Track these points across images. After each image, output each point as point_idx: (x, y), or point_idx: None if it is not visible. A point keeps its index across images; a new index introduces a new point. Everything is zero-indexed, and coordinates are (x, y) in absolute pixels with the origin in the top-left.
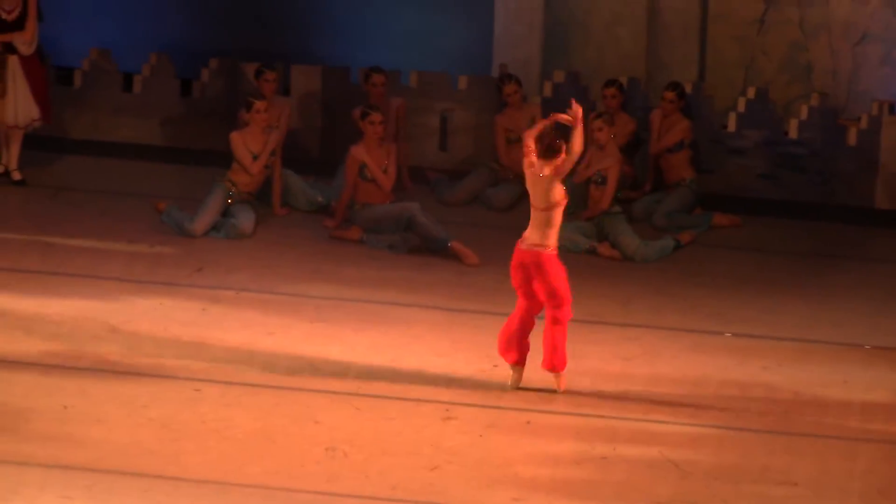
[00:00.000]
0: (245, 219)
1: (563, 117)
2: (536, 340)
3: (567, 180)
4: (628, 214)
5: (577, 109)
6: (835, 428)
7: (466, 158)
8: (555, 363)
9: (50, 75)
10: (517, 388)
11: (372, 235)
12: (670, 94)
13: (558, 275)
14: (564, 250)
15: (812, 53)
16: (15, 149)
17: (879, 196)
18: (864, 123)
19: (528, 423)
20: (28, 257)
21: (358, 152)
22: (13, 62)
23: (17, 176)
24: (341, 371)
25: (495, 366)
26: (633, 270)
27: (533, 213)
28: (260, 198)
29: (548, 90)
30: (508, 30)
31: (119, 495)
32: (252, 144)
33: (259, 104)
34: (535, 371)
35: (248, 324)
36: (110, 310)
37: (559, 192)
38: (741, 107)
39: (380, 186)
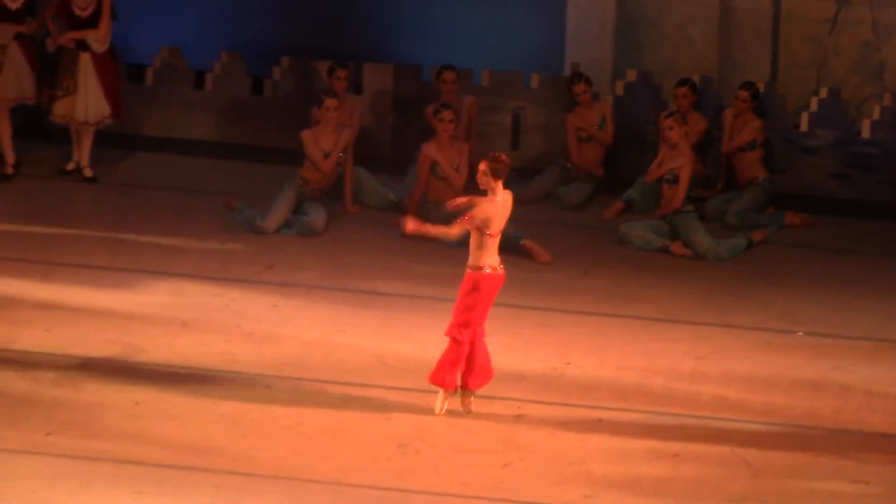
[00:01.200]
0: (316, 216)
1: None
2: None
3: (639, 178)
4: (700, 213)
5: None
6: None
7: (538, 157)
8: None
9: (122, 73)
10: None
11: None
12: (744, 94)
13: None
14: (636, 248)
15: (884, 53)
16: (86, 145)
17: None
18: None
19: (600, 420)
20: (99, 254)
21: (430, 150)
22: (85, 59)
23: (88, 173)
24: (413, 368)
25: (567, 363)
26: (705, 269)
27: (494, 240)
28: (332, 195)
29: (620, 89)
30: (581, 29)
31: (190, 491)
32: (324, 142)
33: (330, 102)
34: (606, 370)
35: (319, 321)
36: (182, 306)
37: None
38: (814, 106)
39: (451, 184)
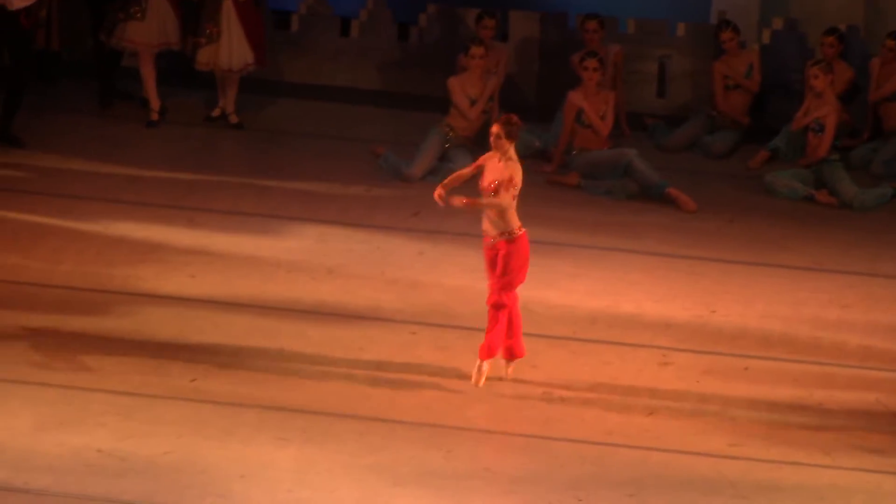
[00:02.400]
0: (462, 163)
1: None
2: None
3: (784, 127)
4: (846, 162)
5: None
6: None
7: (684, 105)
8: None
9: (266, 19)
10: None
11: (589, 181)
12: (891, 43)
13: None
14: (782, 196)
15: None
16: (231, 93)
17: None
18: None
19: (746, 368)
20: (244, 200)
21: (576, 98)
22: (228, 7)
23: (234, 119)
24: (558, 315)
25: (713, 311)
26: (851, 218)
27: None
28: (478, 143)
29: (766, 37)
30: None
31: (334, 437)
32: (470, 89)
33: (476, 50)
34: (751, 319)
35: (465, 268)
36: (327, 253)
37: None
38: None
39: (597, 132)
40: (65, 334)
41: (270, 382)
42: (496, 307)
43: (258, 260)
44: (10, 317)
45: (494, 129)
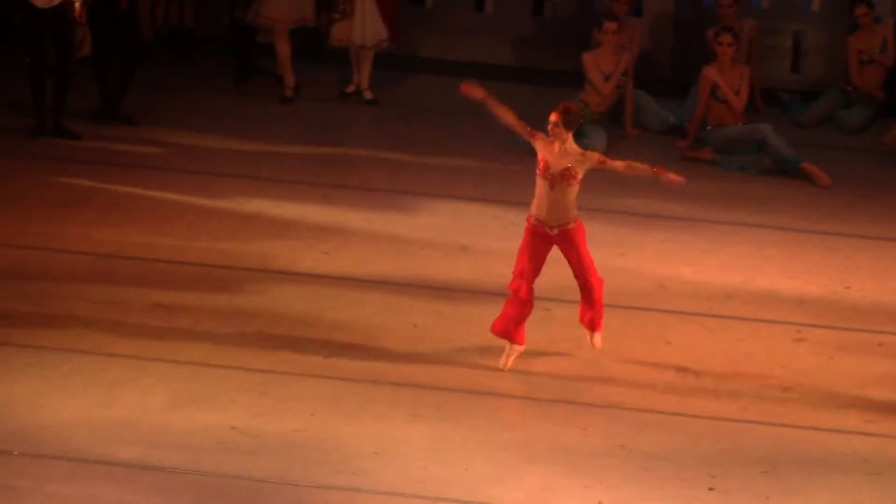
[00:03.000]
0: (597, 139)
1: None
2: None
3: None
4: None
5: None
6: None
7: (818, 80)
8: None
9: None
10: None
11: (724, 156)
12: None
13: None
14: None
15: None
16: (366, 68)
17: None
18: None
19: (881, 344)
20: (378, 175)
21: (710, 73)
22: None
23: (368, 95)
24: (692, 291)
25: (847, 287)
26: None
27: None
28: (612, 118)
29: None
30: None
31: (467, 414)
32: (603, 65)
33: (610, 25)
34: (886, 294)
35: (599, 244)
36: (461, 229)
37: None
38: None
39: (731, 107)
40: (199, 311)
41: (404, 359)
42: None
43: (392, 237)
44: (144, 294)
45: (553, 117)
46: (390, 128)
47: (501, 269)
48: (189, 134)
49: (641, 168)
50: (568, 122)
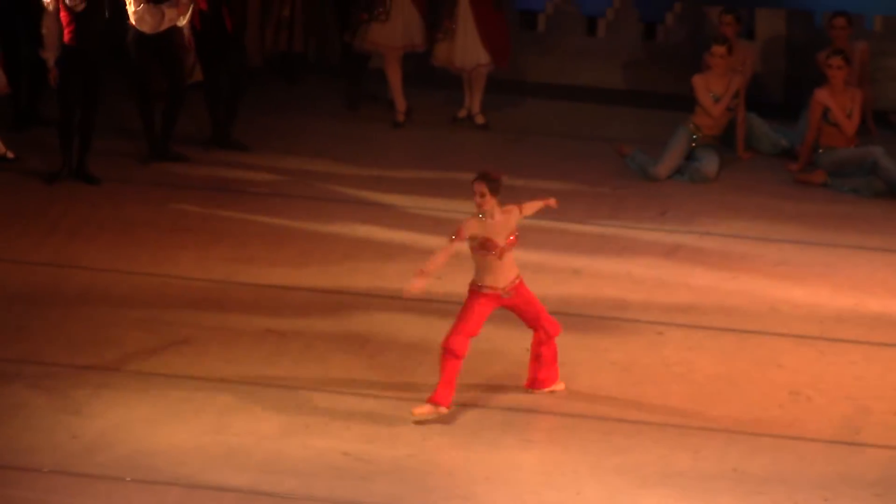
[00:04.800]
0: (709, 162)
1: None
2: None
3: None
4: None
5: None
6: None
7: None
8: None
9: (512, 20)
10: None
11: (836, 179)
12: None
13: None
14: None
15: None
16: (478, 93)
17: None
18: None
19: None
20: None
21: (822, 96)
22: (465, 5)
23: (480, 119)
24: (805, 315)
25: None
26: None
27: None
28: (724, 141)
29: None
30: None
31: (579, 438)
32: (714, 87)
33: (718, 48)
34: None
35: (712, 267)
36: (574, 253)
37: None
38: None
39: (843, 130)
40: (310, 336)
41: (516, 384)
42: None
43: None
44: (256, 320)
45: (479, 188)
46: (501, 152)
47: (613, 291)
48: (300, 159)
49: (536, 205)
50: (494, 188)
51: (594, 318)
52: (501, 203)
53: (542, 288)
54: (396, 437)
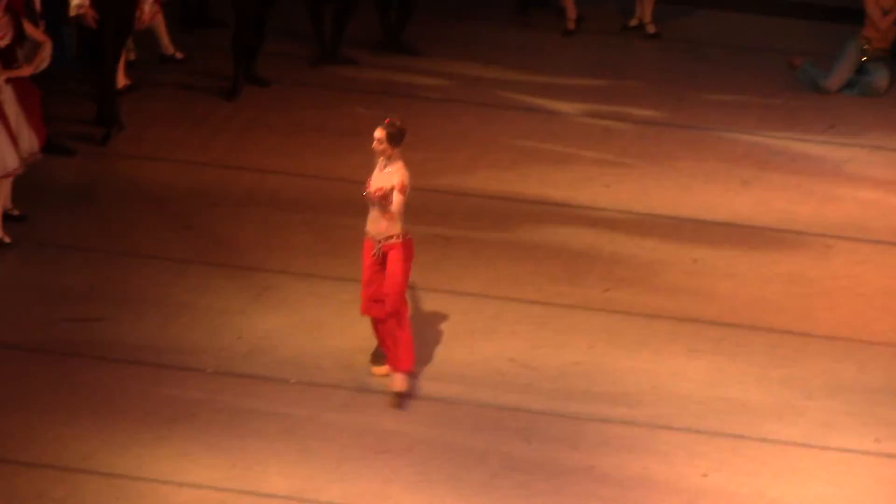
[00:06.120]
0: (880, 76)
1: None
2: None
3: None
4: None
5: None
6: None
7: None
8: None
9: None
10: None
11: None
12: None
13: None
14: None
15: None
16: (649, 2)
17: None
18: None
19: None
20: (662, 110)
21: None
22: None
23: (651, 29)
24: None
25: None
26: None
27: None
28: (894, 54)
29: None
30: None
31: (746, 350)
32: (883, 0)
33: None
34: None
35: (881, 181)
36: (744, 164)
37: None
38: None
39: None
40: (478, 243)
41: (683, 293)
42: (398, 314)
43: (673, 170)
44: (424, 225)
45: (378, 133)
46: (672, 62)
47: (782, 204)
48: (469, 65)
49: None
50: (392, 137)
51: (762, 230)
52: (401, 158)
53: (711, 198)
54: (562, 345)
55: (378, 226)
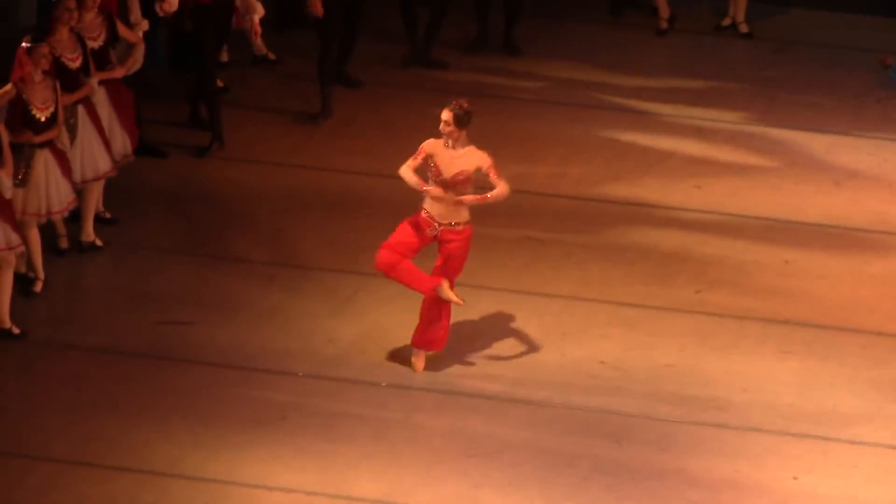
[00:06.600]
0: None
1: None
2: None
3: None
4: None
5: None
6: None
7: None
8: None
9: None
10: None
11: None
12: None
13: None
14: None
15: None
16: (742, 1)
17: None
18: None
19: None
20: (753, 110)
21: None
22: None
23: (743, 28)
24: None
25: None
26: None
27: None
28: None
29: None
30: None
31: (837, 351)
32: None
33: None
34: None
35: None
36: (835, 165)
37: None
38: None
39: None
40: (569, 244)
41: (775, 295)
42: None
43: (765, 171)
44: (515, 227)
45: (445, 115)
46: (765, 62)
47: (874, 204)
48: (564, 65)
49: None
50: (460, 120)
51: (854, 231)
52: (473, 141)
53: (803, 198)
54: (653, 347)
55: (443, 209)
